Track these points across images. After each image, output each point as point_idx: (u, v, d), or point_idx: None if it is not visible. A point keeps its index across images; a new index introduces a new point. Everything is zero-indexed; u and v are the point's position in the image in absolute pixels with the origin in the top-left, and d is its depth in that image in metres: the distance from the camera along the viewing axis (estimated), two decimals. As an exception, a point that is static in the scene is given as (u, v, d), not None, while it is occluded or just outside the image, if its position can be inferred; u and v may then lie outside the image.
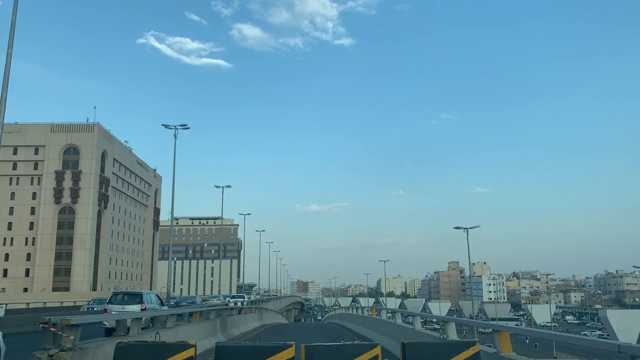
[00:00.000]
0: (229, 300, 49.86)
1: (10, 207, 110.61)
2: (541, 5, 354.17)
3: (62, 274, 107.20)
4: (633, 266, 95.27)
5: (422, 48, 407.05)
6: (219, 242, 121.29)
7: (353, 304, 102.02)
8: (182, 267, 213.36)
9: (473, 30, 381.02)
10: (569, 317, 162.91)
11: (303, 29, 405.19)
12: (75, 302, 64.90)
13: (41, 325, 10.31)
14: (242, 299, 54.69)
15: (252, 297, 70.93)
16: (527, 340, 71.21)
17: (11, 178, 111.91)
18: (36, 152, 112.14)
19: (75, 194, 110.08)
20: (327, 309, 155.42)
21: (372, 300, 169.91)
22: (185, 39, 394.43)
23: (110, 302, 21.43)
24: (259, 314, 45.54)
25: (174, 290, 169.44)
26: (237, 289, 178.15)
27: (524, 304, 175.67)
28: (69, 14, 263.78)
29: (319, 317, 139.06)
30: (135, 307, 21.76)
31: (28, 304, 55.27)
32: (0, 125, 16.53)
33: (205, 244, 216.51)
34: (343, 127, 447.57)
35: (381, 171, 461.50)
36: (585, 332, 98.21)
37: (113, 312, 19.22)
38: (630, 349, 8.09)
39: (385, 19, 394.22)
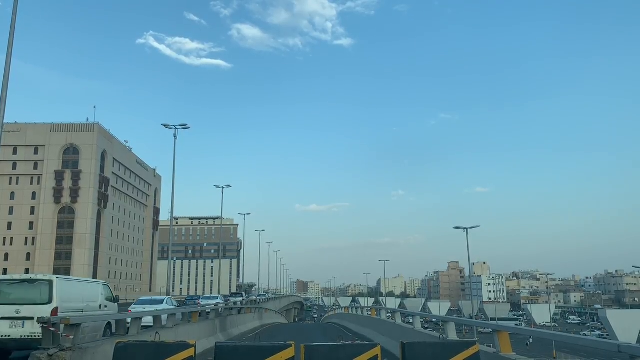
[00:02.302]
0: (257, 297, 65.77)
1: (10, 207, 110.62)
2: (539, 4, 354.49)
3: (61, 274, 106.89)
4: (633, 266, 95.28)
5: (421, 48, 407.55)
6: (218, 242, 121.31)
7: (353, 303, 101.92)
8: (182, 266, 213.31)
9: (472, 30, 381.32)
10: (573, 317, 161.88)
11: (302, 29, 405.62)
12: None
13: (41, 325, 10.32)
14: (264, 297, 71.93)
15: (269, 296, 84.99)
16: (531, 340, 70.95)
17: (11, 178, 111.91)
18: (36, 152, 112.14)
19: (75, 194, 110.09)
20: (326, 309, 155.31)
21: (371, 300, 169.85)
22: (185, 39, 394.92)
23: (230, 296, 48.09)
24: (259, 314, 45.48)
25: (173, 290, 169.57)
26: (236, 289, 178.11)
27: (523, 304, 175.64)
28: (69, 14, 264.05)
29: (317, 316, 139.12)
30: (240, 299, 44.90)
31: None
32: (0, 125, 16.52)
33: (205, 244, 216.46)
34: (342, 127, 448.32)
35: (381, 171, 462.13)
36: (585, 332, 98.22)
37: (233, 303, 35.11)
38: (630, 349, 8.09)
39: (384, 19, 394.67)
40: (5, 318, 12.42)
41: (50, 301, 12.86)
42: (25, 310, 12.50)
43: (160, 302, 26.78)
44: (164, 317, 17.74)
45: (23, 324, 12.43)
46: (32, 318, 12.16)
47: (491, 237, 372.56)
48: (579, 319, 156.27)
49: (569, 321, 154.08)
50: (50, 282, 13.20)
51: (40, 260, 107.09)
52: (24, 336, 12.31)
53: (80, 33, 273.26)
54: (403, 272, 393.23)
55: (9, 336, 12.34)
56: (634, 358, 8.03)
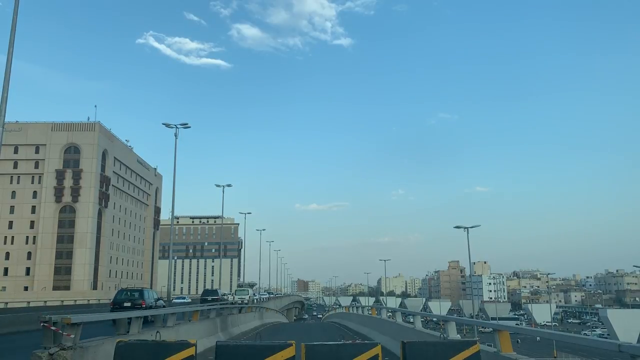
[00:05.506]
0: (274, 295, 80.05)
1: (11, 206, 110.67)
2: (538, 4, 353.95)
3: (62, 273, 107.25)
4: (633, 265, 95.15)
5: (420, 48, 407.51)
6: (219, 241, 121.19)
7: (353, 303, 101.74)
8: (183, 266, 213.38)
9: (471, 30, 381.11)
10: (587, 317, 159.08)
11: (302, 29, 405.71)
12: (75, 300, 64.99)
13: (42, 324, 10.30)
14: (279, 295, 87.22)
15: (282, 294, 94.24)
16: (538, 339, 70.92)
17: (12, 177, 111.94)
18: (37, 151, 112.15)
19: (75, 193, 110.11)
20: (327, 308, 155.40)
21: (372, 300, 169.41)
22: (185, 39, 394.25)
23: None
24: (259, 313, 45.53)
25: (174, 290, 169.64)
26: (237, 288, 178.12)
27: (524, 303, 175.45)
28: (69, 14, 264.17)
29: (318, 315, 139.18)
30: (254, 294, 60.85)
31: (28, 302, 55.21)
32: (1, 124, 16.54)
33: (206, 243, 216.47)
34: (342, 126, 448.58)
35: (381, 170, 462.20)
36: (586, 332, 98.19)
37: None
38: (630, 349, 8.10)
39: (384, 19, 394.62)
40: None
41: None
42: None
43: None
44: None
45: None
46: None
47: (491, 236, 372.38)
48: (588, 317, 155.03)
49: (569, 320, 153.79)
50: None
51: (41, 259, 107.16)
52: None
53: (81, 33, 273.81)
54: (403, 271, 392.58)
55: None
56: (634, 357, 8.04)
